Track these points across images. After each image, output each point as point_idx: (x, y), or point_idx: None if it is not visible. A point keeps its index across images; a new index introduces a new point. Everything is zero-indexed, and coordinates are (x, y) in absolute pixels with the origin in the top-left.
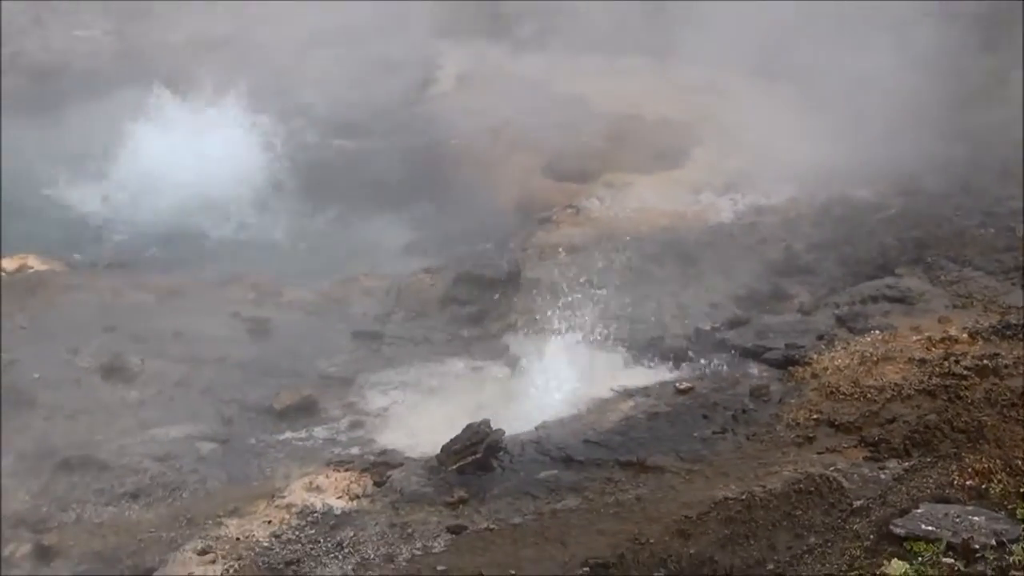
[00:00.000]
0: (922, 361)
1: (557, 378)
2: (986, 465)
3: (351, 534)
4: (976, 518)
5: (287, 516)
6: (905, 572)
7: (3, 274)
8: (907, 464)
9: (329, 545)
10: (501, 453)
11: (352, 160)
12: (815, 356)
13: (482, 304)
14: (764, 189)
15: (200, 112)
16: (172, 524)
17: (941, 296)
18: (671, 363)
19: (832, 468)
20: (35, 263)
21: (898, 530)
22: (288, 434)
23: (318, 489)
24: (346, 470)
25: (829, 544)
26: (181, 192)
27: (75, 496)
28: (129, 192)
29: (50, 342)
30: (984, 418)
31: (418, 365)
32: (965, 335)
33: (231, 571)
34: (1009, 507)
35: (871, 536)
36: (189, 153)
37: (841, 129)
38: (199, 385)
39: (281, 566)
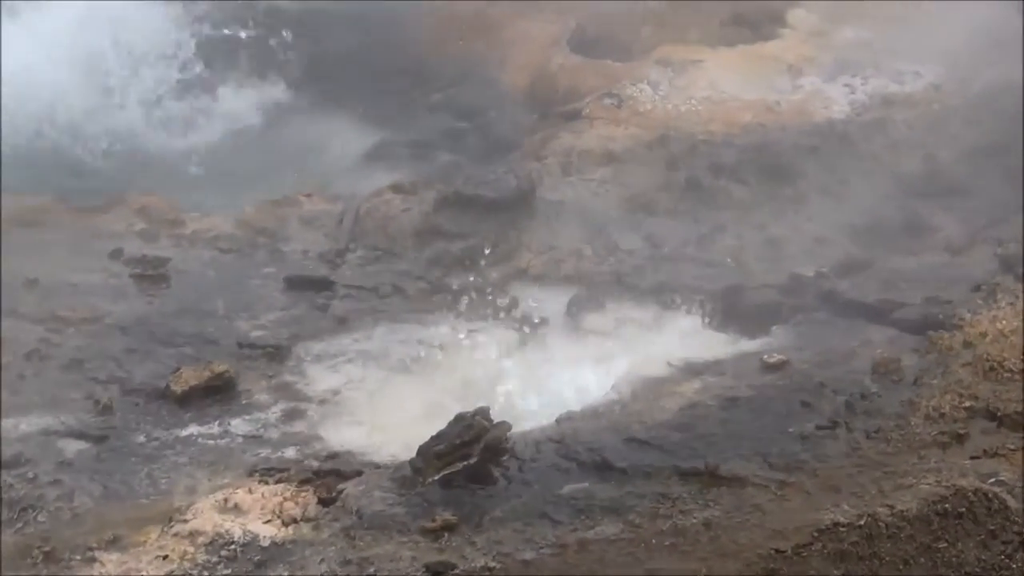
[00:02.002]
0: None
1: (587, 347)
2: None
3: None
4: None
5: (191, 549)
6: None
7: None
8: None
9: None
10: (505, 457)
11: (291, 26)
12: (968, 316)
13: (479, 239)
14: (895, 70)
15: None
16: (20, 561)
17: None
18: (756, 326)
19: (992, 480)
20: None
21: None
22: (193, 429)
23: (236, 509)
24: (278, 482)
25: None
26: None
27: None
28: None
29: None
30: None
31: (384, 328)
32: None
33: None
34: None
35: None
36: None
37: None
38: (62, 356)
39: None
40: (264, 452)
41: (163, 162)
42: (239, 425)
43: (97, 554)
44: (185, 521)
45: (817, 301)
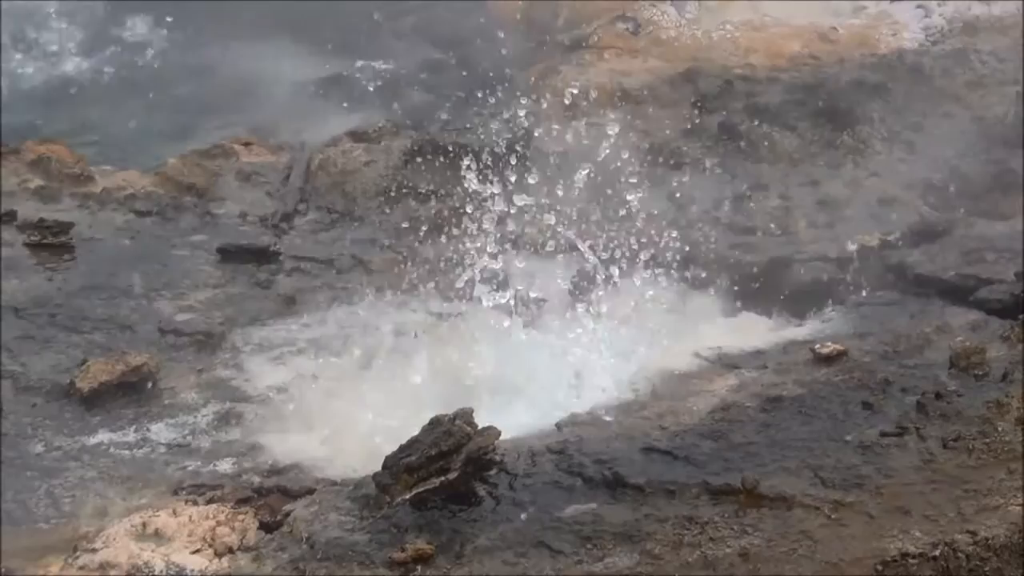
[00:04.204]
0: None
1: (597, 334)
2: None
3: None
4: None
5: None
6: None
7: None
8: None
9: None
10: (493, 471)
11: None
12: None
13: (459, 198)
14: None
15: None
16: None
17: None
18: (806, 308)
19: None
20: None
21: None
22: (103, 435)
23: (158, 536)
24: (209, 502)
25: None
26: None
27: None
28: None
29: None
30: None
31: (342, 310)
32: None
33: None
34: None
35: None
36: None
37: None
38: None
39: None
40: (192, 465)
41: (62, 102)
42: (160, 431)
43: None
44: (94, 550)
45: (882, 277)
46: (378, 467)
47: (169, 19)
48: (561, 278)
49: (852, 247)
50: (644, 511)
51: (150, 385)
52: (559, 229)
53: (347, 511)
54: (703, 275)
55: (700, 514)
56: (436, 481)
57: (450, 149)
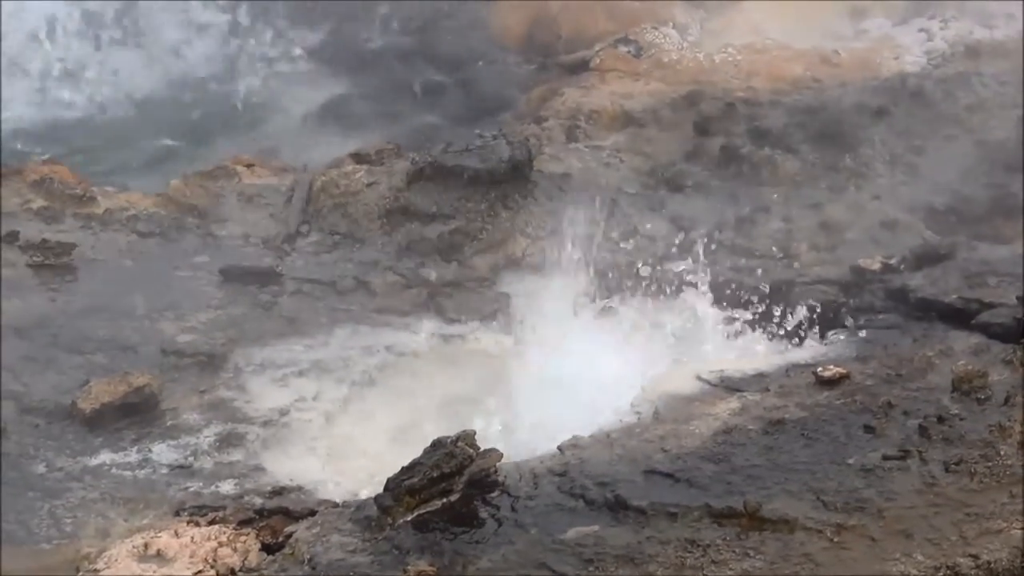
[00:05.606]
0: None
1: (598, 355)
2: None
3: None
4: None
5: None
6: None
7: None
8: None
9: None
10: (495, 493)
11: None
12: None
13: (461, 220)
14: (982, 11)
15: None
16: None
17: None
18: (808, 331)
19: None
20: None
21: None
22: (105, 456)
23: (160, 557)
24: (211, 523)
25: None
26: None
27: None
28: None
29: None
30: None
31: (344, 332)
32: None
33: None
34: None
35: None
36: None
37: None
38: None
39: None
40: (194, 486)
41: (66, 123)
42: (163, 452)
43: None
44: (96, 571)
45: (884, 300)
46: (380, 489)
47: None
48: (563, 301)
49: (854, 271)
50: (646, 533)
51: (152, 406)
52: (561, 248)
53: (349, 533)
54: (704, 297)
55: (702, 537)
56: (438, 503)
57: (452, 171)
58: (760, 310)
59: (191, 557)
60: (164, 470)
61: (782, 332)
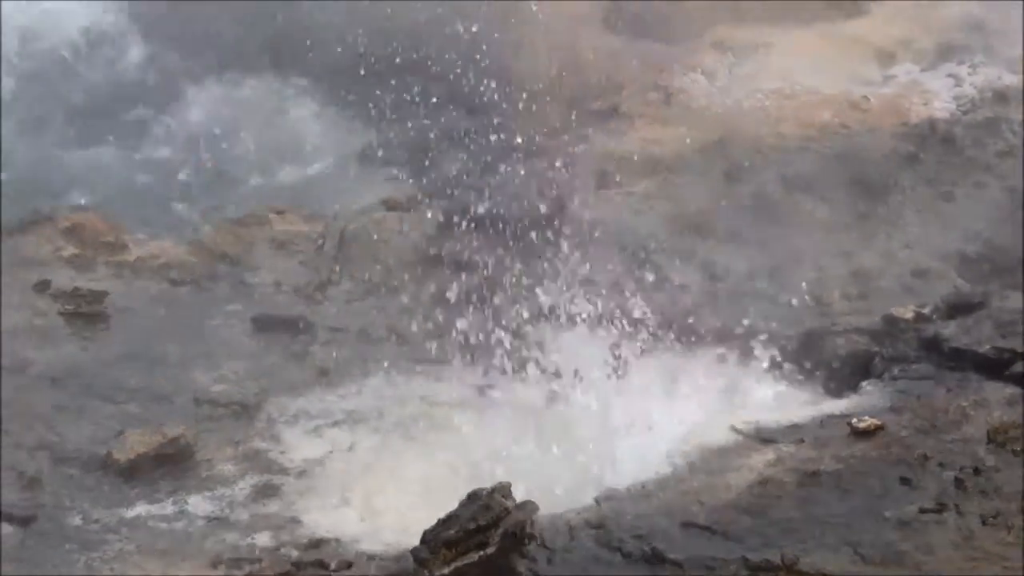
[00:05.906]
0: None
1: (633, 407)
2: None
3: None
4: None
5: None
6: None
7: None
8: None
9: None
10: (532, 546)
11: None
12: None
13: (494, 269)
14: (1011, 56)
15: None
16: None
17: None
18: (842, 381)
19: None
20: None
21: None
22: (141, 508)
23: None
24: (247, 575)
25: None
26: None
27: None
28: None
29: None
30: None
31: (377, 381)
32: None
33: None
34: None
35: None
36: None
37: None
38: None
39: None
40: (230, 538)
41: (98, 170)
42: (198, 504)
43: None
44: None
45: (918, 350)
46: (416, 541)
47: (193, 70)
48: (596, 351)
49: (887, 320)
50: None
51: (187, 457)
52: (596, 298)
53: None
54: (737, 347)
55: None
56: (475, 556)
57: (482, 218)
58: (792, 359)
59: None
60: (200, 522)
61: (815, 382)
